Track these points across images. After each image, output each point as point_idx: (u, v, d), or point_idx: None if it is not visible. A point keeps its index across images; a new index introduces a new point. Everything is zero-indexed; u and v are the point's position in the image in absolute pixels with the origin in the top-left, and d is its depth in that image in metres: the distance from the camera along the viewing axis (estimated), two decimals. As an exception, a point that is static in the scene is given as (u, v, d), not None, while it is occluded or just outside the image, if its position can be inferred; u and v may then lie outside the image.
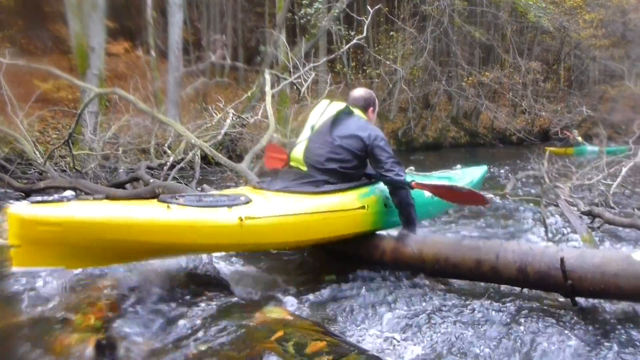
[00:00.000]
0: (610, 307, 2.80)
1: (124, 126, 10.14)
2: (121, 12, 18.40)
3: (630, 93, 19.84)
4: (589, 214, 5.41)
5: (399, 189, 3.39)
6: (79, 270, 2.74)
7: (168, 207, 2.56)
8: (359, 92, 3.81)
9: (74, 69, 12.73)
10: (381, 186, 3.61)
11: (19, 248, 2.16)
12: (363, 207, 3.40)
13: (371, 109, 3.78)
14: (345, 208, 3.31)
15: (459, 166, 5.28)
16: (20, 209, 2.17)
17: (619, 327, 2.49)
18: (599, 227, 5.20)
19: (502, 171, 12.31)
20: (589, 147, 12.87)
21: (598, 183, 6.70)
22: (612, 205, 5.90)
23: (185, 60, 15.38)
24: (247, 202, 2.87)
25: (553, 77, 28.91)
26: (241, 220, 2.68)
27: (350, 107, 3.62)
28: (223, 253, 3.60)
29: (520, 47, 25.74)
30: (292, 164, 3.68)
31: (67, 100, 14.78)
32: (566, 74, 30.30)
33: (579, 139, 14.78)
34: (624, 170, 6.55)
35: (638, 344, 2.29)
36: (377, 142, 3.41)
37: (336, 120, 3.52)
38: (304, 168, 3.53)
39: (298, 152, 3.58)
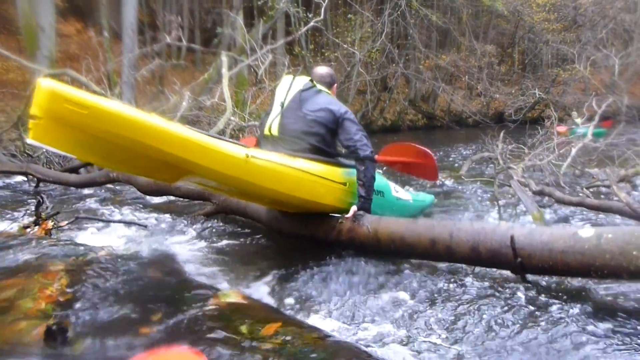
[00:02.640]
0: (559, 283, 2.92)
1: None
2: (71, -10, 17.78)
3: (581, 76, 20.34)
4: (540, 193, 5.57)
5: (365, 161, 3.42)
6: (29, 253, 2.69)
7: (188, 127, 2.77)
8: (324, 69, 3.89)
9: (24, 51, 12.27)
10: None
11: (40, 121, 2.22)
12: (344, 184, 3.50)
13: (335, 85, 3.88)
14: (333, 179, 3.44)
15: (411, 189, 5.43)
16: (52, 83, 2.19)
17: (567, 302, 2.59)
18: (549, 206, 5.38)
19: (459, 153, 12.55)
20: (580, 129, 12.70)
21: (549, 163, 6.90)
22: (563, 185, 6.09)
23: (140, 42, 14.97)
24: (248, 148, 3.02)
25: (507, 61, 29.43)
26: (247, 156, 2.87)
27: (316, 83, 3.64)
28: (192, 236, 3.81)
29: (475, 30, 26.10)
30: (265, 134, 3.65)
31: (16, 83, 14.25)
32: (520, 58, 30.87)
33: (578, 120, 14.45)
34: (574, 151, 6.76)
35: (581, 318, 2.38)
36: (347, 115, 3.50)
37: (304, 95, 3.53)
38: (277, 135, 3.55)
39: (273, 128, 3.56)
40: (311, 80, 3.62)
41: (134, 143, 2.43)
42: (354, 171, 3.55)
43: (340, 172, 3.52)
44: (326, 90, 3.69)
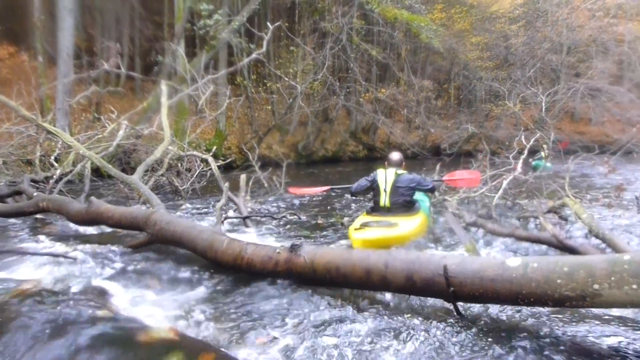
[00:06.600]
0: (489, 312, 2.99)
1: (4, 134, 9.47)
2: (5, 13, 17.21)
3: (512, 112, 21.24)
4: (474, 224, 5.74)
5: (434, 190, 6.36)
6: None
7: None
8: (396, 155, 6.11)
9: (-51, 73, 11.75)
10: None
11: None
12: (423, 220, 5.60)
13: (403, 164, 6.05)
14: (423, 221, 5.53)
15: None
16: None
17: (495, 331, 2.66)
18: (482, 237, 5.53)
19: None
20: (548, 164, 12.55)
21: (482, 195, 7.13)
22: (495, 216, 6.29)
23: (77, 68, 14.60)
24: (396, 224, 5.09)
25: (444, 96, 30.37)
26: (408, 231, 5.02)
27: (396, 168, 5.84)
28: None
29: (414, 66, 26.88)
30: (381, 206, 5.75)
31: (-60, 107, 13.56)
32: (456, 93, 31.88)
33: (543, 154, 13.53)
34: (505, 183, 6.99)
35: (508, 346, 2.45)
36: (419, 178, 5.94)
37: (396, 180, 5.69)
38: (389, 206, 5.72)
39: (386, 202, 5.72)
40: (395, 170, 5.80)
41: None
42: (425, 207, 6.09)
43: (423, 214, 5.73)
44: (402, 170, 5.85)
